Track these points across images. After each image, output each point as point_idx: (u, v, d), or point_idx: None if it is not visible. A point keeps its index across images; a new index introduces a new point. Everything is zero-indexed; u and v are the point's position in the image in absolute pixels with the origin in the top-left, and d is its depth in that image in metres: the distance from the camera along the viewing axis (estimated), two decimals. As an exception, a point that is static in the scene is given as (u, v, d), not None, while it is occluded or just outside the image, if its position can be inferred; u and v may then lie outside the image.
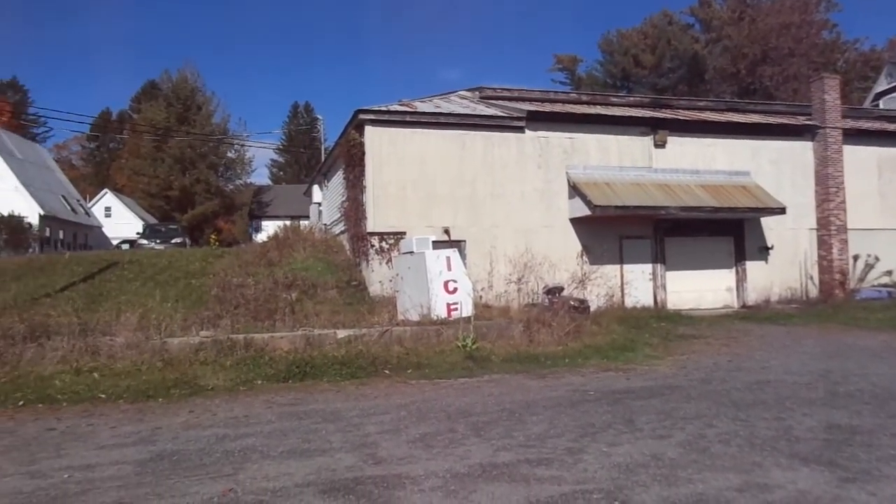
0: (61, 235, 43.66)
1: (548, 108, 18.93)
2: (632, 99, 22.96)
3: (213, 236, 47.71)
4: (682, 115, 19.93)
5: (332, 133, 60.77)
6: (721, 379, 8.93)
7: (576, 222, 17.38)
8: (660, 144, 18.39)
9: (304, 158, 79.17)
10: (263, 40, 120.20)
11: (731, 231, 18.87)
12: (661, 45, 55.82)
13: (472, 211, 16.90)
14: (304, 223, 26.86)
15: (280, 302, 14.38)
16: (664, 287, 18.15)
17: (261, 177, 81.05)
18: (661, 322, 14.88)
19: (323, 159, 30.44)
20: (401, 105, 17.97)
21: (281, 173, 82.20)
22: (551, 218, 17.33)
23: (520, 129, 17.31)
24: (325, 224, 23.82)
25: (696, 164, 18.58)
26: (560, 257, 16.69)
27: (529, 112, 17.39)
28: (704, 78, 52.93)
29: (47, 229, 41.22)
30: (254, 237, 50.21)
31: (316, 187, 26.86)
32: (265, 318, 12.87)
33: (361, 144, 16.74)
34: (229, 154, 61.81)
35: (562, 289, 15.77)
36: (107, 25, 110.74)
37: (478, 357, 10.24)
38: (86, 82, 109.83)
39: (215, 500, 4.52)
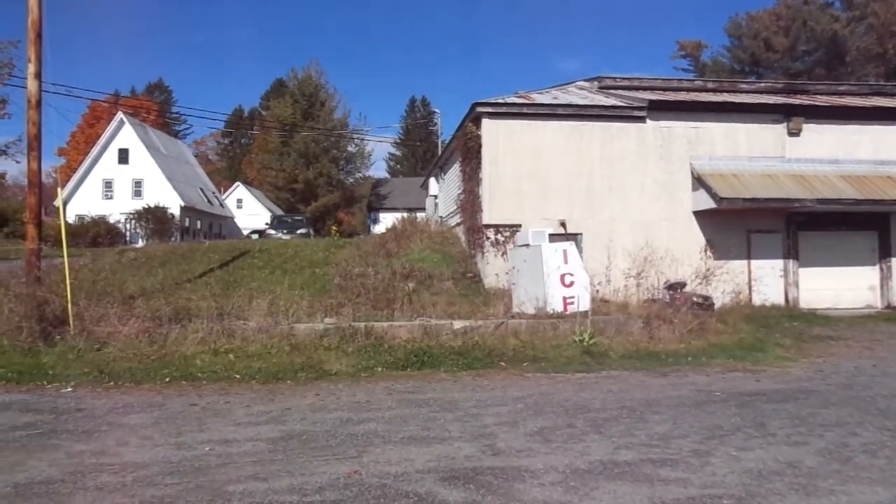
0: (199, 225, 47.04)
1: (671, 96, 18.17)
2: (762, 85, 21.57)
3: (334, 227, 49.71)
4: (820, 100, 18.50)
5: (449, 126, 61.34)
6: (864, 385, 8.26)
7: (700, 215, 16.61)
8: (794, 133, 17.17)
9: (421, 152, 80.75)
10: (383, 36, 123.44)
11: (874, 225, 17.34)
12: (796, 27, 52.01)
13: (588, 203, 16.55)
14: (419, 215, 27.41)
15: (398, 292, 14.76)
16: (796, 284, 16.97)
17: (379, 170, 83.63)
18: (794, 321, 13.95)
19: (440, 152, 30.84)
20: (518, 97, 17.87)
21: (398, 166, 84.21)
22: (673, 211, 16.65)
23: (640, 119, 16.73)
24: (440, 216, 24.18)
25: (835, 154, 17.20)
26: (682, 252, 16.00)
27: (651, 101, 16.76)
28: (845, 60, 48.84)
29: (187, 219, 44.53)
30: (371, 229, 51.82)
31: (432, 180, 27.30)
32: (384, 307, 13.25)
33: (478, 137, 16.81)
34: (350, 148, 64.07)
35: (684, 284, 15.12)
36: (240, 29, 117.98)
37: (595, 352, 10.05)
38: (221, 82, 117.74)
39: (341, 481, 4.72)
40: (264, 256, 19.21)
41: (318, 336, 10.42)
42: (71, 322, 9.76)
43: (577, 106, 16.85)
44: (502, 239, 16.62)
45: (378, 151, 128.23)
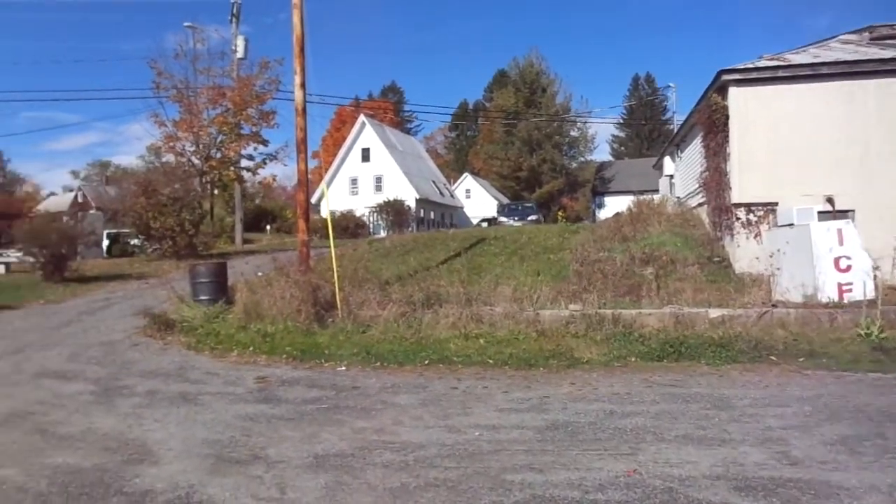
0: (432, 216, 49.66)
1: (973, 41, 15.07)
2: None
3: (559, 213, 49.44)
4: None
5: (684, 102, 57.45)
6: None
7: None
8: None
9: (646, 131, 77.21)
10: (602, 15, 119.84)
11: None
12: None
13: (862, 176, 14.32)
14: (652, 197, 26.05)
15: (637, 277, 14.10)
16: None
17: (602, 153, 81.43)
18: None
19: (675, 130, 29.04)
20: (769, 59, 16.04)
21: (622, 148, 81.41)
22: (980, 180, 13.81)
23: (931, 72, 14.08)
24: (678, 197, 22.74)
25: None
26: None
27: (947, 49, 14.02)
28: None
29: (421, 210, 47.23)
30: (596, 213, 50.70)
31: (667, 159, 25.78)
32: (625, 293, 12.72)
33: (724, 108, 15.39)
34: (572, 133, 63.33)
35: None
36: (463, 25, 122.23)
37: (889, 348, 8.61)
38: (447, 79, 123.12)
39: (621, 480, 4.45)
40: (499, 243, 19.56)
41: (563, 323, 10.25)
42: (339, 306, 10.67)
43: (846, 63, 14.64)
44: (754, 219, 15.09)
45: (601, 134, 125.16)
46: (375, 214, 43.22)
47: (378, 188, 47.79)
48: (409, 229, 41.18)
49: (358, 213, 42.21)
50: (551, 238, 19.58)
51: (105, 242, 28.68)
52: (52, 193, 70.32)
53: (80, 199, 55.17)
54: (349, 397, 6.92)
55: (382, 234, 38.79)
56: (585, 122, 61.95)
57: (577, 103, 63.79)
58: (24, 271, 20.14)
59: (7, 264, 21.65)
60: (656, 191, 28.31)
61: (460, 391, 7.21)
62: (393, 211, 42.04)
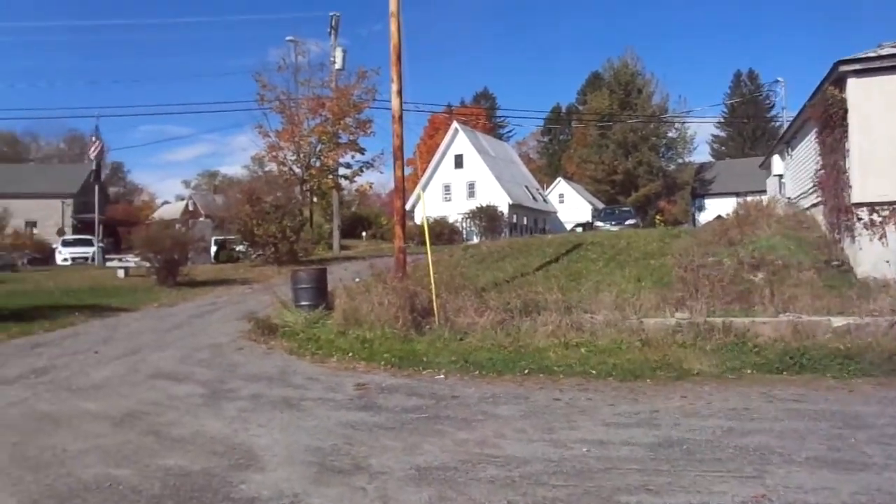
0: (525, 221, 49.24)
1: None
2: None
3: (657, 217, 47.82)
4: None
5: (794, 98, 54.29)
6: None
7: None
8: None
9: (749, 130, 73.54)
10: (702, 9, 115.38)
11: None
12: None
13: None
14: (760, 198, 24.63)
15: (747, 284, 13.29)
16: None
17: (702, 154, 78.04)
18: None
19: (784, 126, 27.42)
20: (892, 47, 14.75)
21: (722, 148, 77.86)
22: None
23: None
24: (788, 197, 21.38)
25: None
26: None
27: None
28: None
29: (514, 216, 46.90)
30: (696, 216, 48.73)
31: (776, 158, 24.32)
32: (734, 300, 11.99)
33: (842, 101, 14.29)
34: (670, 134, 61.16)
35: None
36: (555, 29, 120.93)
37: None
38: (539, 82, 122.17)
39: (749, 506, 4.07)
40: (597, 249, 19.00)
41: (669, 332, 9.73)
42: (436, 313, 10.60)
43: None
44: (879, 219, 13.91)
45: (700, 134, 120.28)
46: (468, 220, 43.28)
47: (471, 194, 47.87)
48: (502, 235, 40.95)
49: (451, 220, 42.38)
50: (651, 243, 18.84)
51: (213, 248, 30.10)
52: (166, 202, 74.88)
53: (190, 208, 58.37)
54: (449, 407, 6.79)
55: (475, 240, 38.74)
56: (684, 123, 59.66)
57: (675, 103, 61.58)
58: (141, 275, 21.39)
59: (126, 269, 23.07)
60: (763, 191, 26.83)
61: (563, 403, 6.93)
62: (486, 217, 41.96)
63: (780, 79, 45.34)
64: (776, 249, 15.44)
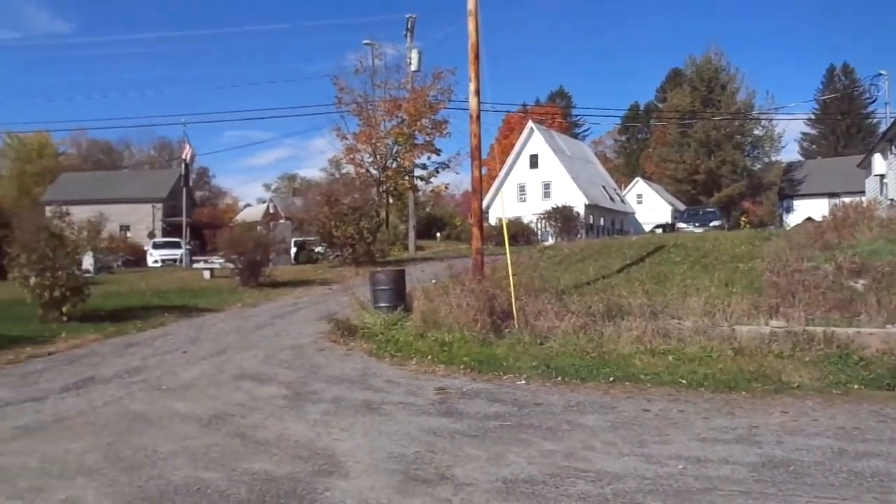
0: (602, 222, 48.25)
1: None
2: None
3: (742, 218, 45.89)
4: None
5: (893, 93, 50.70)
6: None
7: None
8: None
9: (843, 127, 69.58)
10: (790, 4, 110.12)
11: None
12: None
13: None
14: (860, 199, 23.17)
15: (847, 291, 12.43)
16: None
17: (790, 153, 74.25)
18: None
19: (887, 123, 25.74)
20: None
21: (813, 147, 73.96)
22: None
23: None
24: (892, 199, 20.03)
25: None
26: None
27: None
28: None
29: (591, 217, 46.00)
30: (784, 218, 46.53)
31: (877, 157, 22.86)
32: (833, 308, 11.21)
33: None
34: (756, 131, 58.58)
35: None
36: (634, 26, 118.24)
37: None
38: (616, 81, 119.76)
39: (874, 539, 3.69)
40: (681, 251, 18.30)
41: (764, 341, 9.17)
42: (515, 316, 10.39)
43: None
44: None
45: (789, 132, 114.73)
46: (543, 221, 42.73)
47: (546, 194, 47.29)
48: (578, 236, 40.23)
49: (525, 220, 41.95)
50: (739, 245, 17.98)
51: (293, 250, 30.86)
52: (248, 205, 77.51)
53: (271, 210, 60.20)
54: (532, 414, 6.58)
55: (550, 240, 38.21)
56: (771, 120, 57.00)
57: (762, 100, 58.88)
58: (225, 276, 22.09)
59: (211, 270, 23.91)
60: (861, 192, 25.31)
61: (653, 414, 6.59)
62: (561, 217, 41.32)
63: (883, 71, 41.81)
64: (879, 255, 14.42)
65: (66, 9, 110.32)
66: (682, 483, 4.65)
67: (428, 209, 57.94)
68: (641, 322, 9.93)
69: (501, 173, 49.09)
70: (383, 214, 31.07)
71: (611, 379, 8.08)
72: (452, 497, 4.43)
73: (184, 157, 36.58)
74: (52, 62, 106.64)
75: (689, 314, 10.37)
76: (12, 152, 62.88)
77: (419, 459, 5.19)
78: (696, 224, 29.86)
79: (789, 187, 52.49)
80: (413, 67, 32.51)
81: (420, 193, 37.28)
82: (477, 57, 13.60)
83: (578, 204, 44.49)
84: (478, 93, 13.70)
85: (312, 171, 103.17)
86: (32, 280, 12.78)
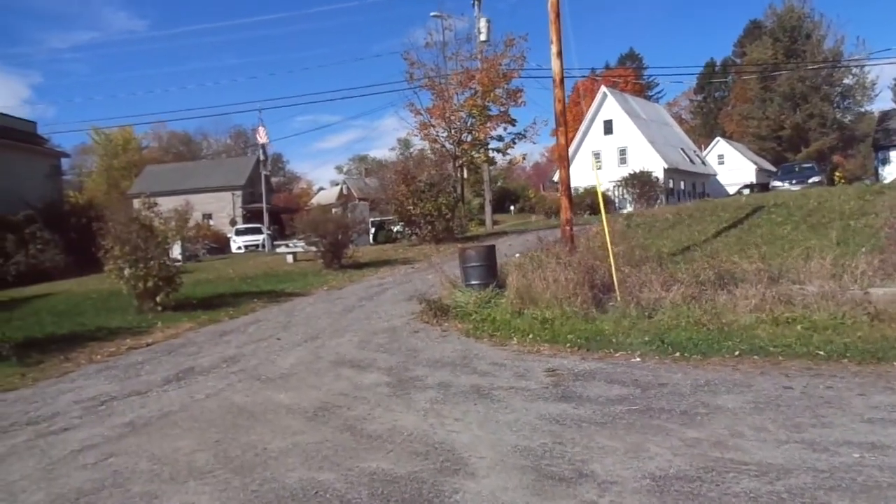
0: (682, 186, 46.26)
1: None
2: None
3: (837, 174, 43.09)
4: None
5: None
6: None
7: None
8: None
9: (946, 67, 64.17)
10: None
11: None
12: None
13: None
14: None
15: None
16: None
17: (884, 101, 68.86)
18: None
19: None
20: None
21: (912, 92, 68.49)
22: None
23: None
24: None
25: None
26: None
27: None
28: None
29: (670, 181, 44.13)
30: (880, 171, 43.45)
31: None
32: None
33: None
34: (846, 80, 54.74)
35: None
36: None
37: None
38: (689, 38, 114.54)
39: None
40: (782, 211, 17.08)
41: (904, 304, 8.22)
42: (617, 288, 9.74)
43: None
44: None
45: (883, 79, 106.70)
46: (620, 188, 41.24)
47: (622, 161, 45.65)
48: (658, 202, 38.62)
49: (602, 188, 40.63)
50: (848, 201, 16.60)
51: (371, 230, 30.83)
52: (322, 188, 78.53)
53: (344, 192, 60.63)
54: (659, 396, 5.98)
55: (629, 208, 36.83)
56: (863, 67, 53.06)
57: (852, 46, 54.90)
58: (308, 259, 22.17)
59: (294, 254, 24.08)
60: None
61: (798, 393, 5.88)
62: (640, 183, 39.73)
63: None
64: None
65: (141, 6, 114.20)
66: (868, 476, 3.99)
67: (500, 183, 57.11)
68: (759, 289, 9.11)
69: (574, 141, 47.62)
70: (460, 190, 30.57)
71: (736, 353, 7.36)
72: (598, 499, 3.91)
73: (260, 141, 37.09)
74: (131, 58, 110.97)
75: (811, 278, 9.46)
76: (100, 148, 65.76)
77: (549, 453, 4.69)
78: (794, 181, 27.95)
79: (884, 138, 48.74)
80: (482, 37, 31.69)
81: (496, 166, 36.58)
82: (558, 16, 12.82)
83: (657, 168, 42.69)
84: (560, 55, 12.94)
85: (382, 152, 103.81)
86: (127, 271, 12.95)
